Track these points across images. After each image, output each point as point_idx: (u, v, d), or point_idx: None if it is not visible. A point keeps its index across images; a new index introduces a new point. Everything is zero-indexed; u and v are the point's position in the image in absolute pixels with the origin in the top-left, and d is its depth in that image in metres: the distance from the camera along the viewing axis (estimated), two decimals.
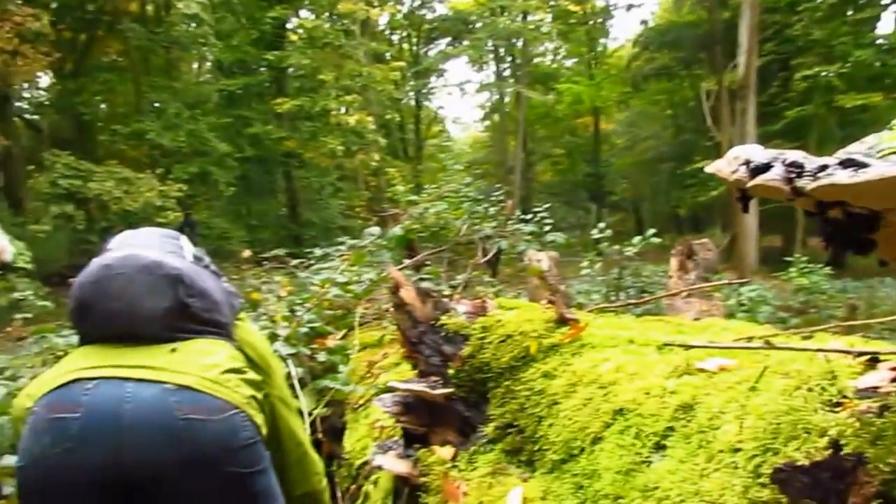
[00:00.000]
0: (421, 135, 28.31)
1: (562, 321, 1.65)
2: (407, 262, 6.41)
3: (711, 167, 0.90)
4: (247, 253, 8.52)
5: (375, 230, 5.94)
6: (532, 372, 1.56)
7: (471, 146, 33.75)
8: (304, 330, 4.29)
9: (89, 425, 1.64)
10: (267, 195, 21.67)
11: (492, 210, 6.41)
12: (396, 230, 5.99)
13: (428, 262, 6.09)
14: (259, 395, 1.88)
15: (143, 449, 1.66)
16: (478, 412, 1.67)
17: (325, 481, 2.23)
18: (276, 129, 19.31)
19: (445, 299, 1.84)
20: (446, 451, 1.63)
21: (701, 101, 19.62)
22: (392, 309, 1.84)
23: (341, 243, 6.54)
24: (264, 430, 1.87)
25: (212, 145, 17.14)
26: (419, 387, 1.68)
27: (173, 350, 1.74)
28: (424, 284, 5.32)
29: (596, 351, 1.54)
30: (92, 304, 1.78)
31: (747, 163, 0.82)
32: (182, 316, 1.75)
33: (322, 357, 4.10)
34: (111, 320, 1.76)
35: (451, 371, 1.71)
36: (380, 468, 1.64)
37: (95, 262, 1.78)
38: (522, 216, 6.03)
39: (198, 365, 1.73)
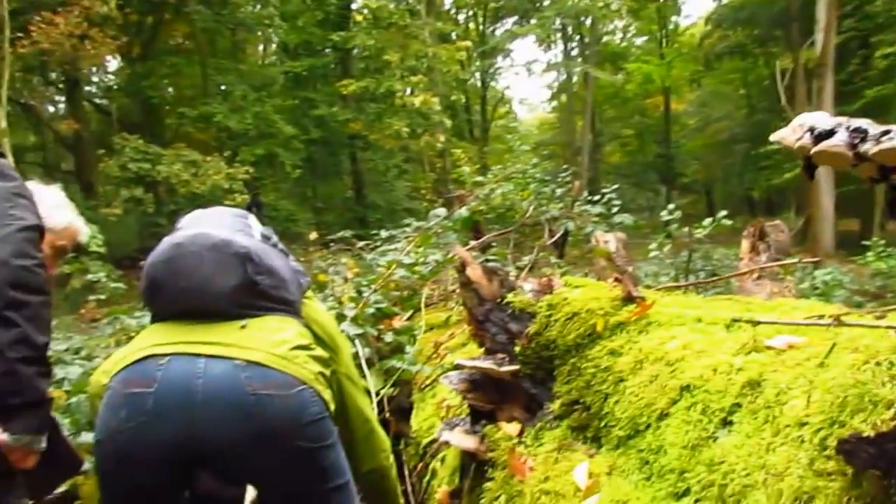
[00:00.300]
0: (487, 116, 28.19)
1: (629, 299, 1.65)
2: (473, 243, 6.45)
3: (776, 135, 0.90)
4: (313, 235, 8.69)
5: (442, 211, 5.98)
6: (598, 349, 1.58)
7: (538, 127, 33.47)
8: (370, 311, 4.37)
9: (163, 400, 1.71)
10: (332, 177, 21.97)
11: (559, 191, 6.38)
12: (462, 211, 6.01)
13: (494, 244, 6.11)
14: (327, 372, 1.94)
15: (215, 423, 1.72)
16: (544, 389, 1.69)
17: (391, 458, 2.28)
18: (342, 111, 19.45)
19: (512, 278, 1.86)
20: (513, 428, 1.66)
21: (776, 81, 18.91)
22: (458, 287, 1.87)
23: (407, 225, 6.62)
24: (332, 406, 1.93)
25: (278, 127, 17.41)
26: (486, 364, 1.71)
27: (243, 327, 1.81)
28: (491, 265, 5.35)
29: (663, 329, 1.54)
30: (163, 282, 1.86)
31: (811, 130, 0.82)
32: (251, 293, 1.82)
33: (389, 338, 4.18)
34: (182, 298, 1.84)
35: (517, 348, 1.73)
36: (447, 444, 1.67)
37: (166, 241, 1.85)
38: (590, 197, 5.97)
39: (267, 341, 1.79)
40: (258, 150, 16.88)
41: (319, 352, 1.94)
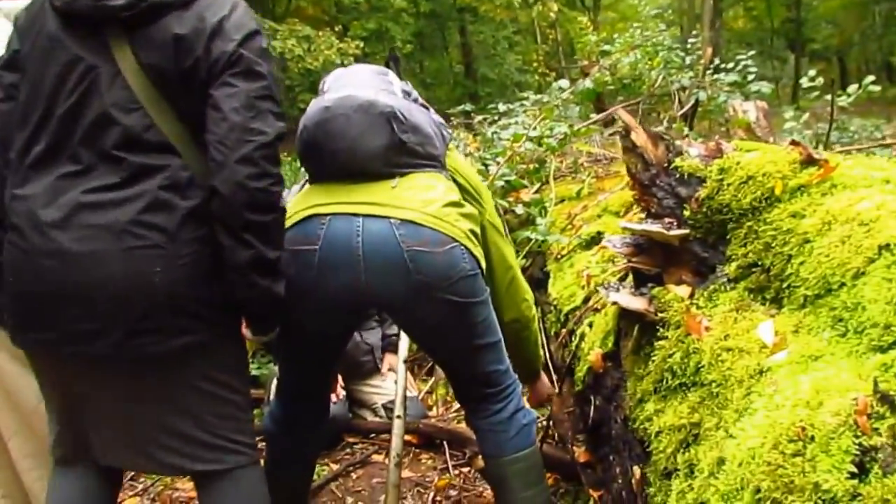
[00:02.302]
0: None
1: (808, 162, 1.61)
2: (595, 116, 6.30)
3: None
4: None
5: (564, 83, 5.84)
6: (778, 212, 1.56)
7: None
8: (499, 184, 4.41)
9: (327, 257, 1.86)
10: (440, 52, 21.61)
11: (688, 59, 6.08)
12: (587, 83, 5.86)
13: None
14: (477, 229, 2.01)
15: (375, 276, 1.87)
16: (715, 252, 1.70)
17: (534, 309, 2.37)
18: None
19: (678, 142, 1.84)
20: (683, 290, 1.69)
21: None
22: (622, 152, 1.87)
23: (525, 98, 6.51)
24: (483, 263, 2.00)
25: (388, 1, 17.14)
26: (655, 228, 1.73)
27: (394, 187, 1.88)
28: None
29: (849, 191, 1.50)
30: (316, 145, 1.96)
31: None
32: (399, 151, 1.89)
33: (519, 209, 4.23)
34: (335, 159, 1.94)
35: (686, 213, 1.73)
36: (615, 304, 1.72)
37: (315, 104, 1.93)
38: (723, 65, 5.67)
39: (419, 200, 1.87)
40: (369, 24, 16.73)
41: (469, 209, 2.01)
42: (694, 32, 5.76)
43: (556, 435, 2.91)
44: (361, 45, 15.39)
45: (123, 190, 1.53)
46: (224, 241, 1.57)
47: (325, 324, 2.03)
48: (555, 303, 3.13)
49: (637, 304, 1.69)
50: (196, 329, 1.60)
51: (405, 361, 2.87)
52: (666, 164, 1.80)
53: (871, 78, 5.37)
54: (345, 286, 1.88)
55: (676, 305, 1.65)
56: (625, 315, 2.12)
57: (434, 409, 3.67)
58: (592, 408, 2.27)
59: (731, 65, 5.65)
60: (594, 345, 2.36)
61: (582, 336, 2.51)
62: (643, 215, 2.03)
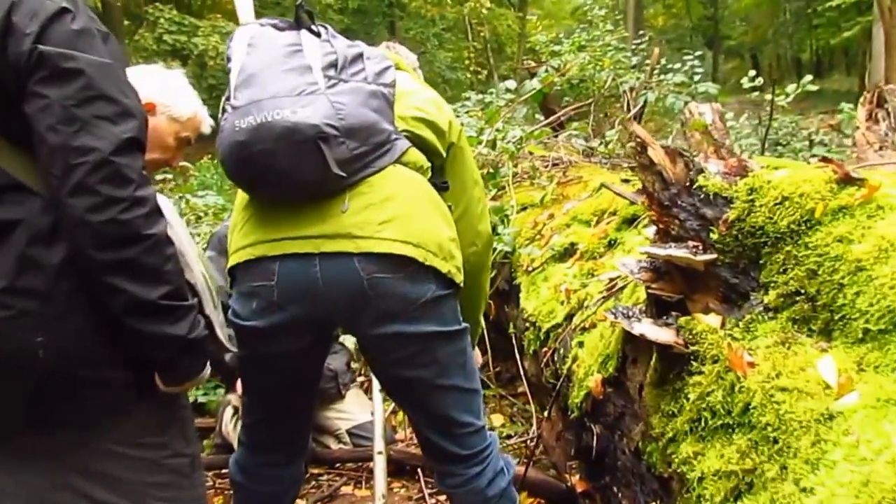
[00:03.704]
0: None
1: (846, 181, 1.51)
2: (541, 118, 6.22)
3: None
4: None
5: (511, 84, 5.73)
6: (821, 236, 1.45)
7: None
8: None
9: (286, 292, 1.74)
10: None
11: (633, 60, 6.07)
12: (534, 83, 5.77)
13: (572, 118, 5.88)
14: (453, 232, 1.87)
15: (338, 308, 1.75)
16: (746, 278, 1.59)
17: (492, 242, 2.24)
18: None
19: (698, 159, 1.72)
20: (714, 320, 1.57)
21: None
22: (638, 170, 1.74)
23: (466, 99, 6.37)
24: (460, 279, 1.84)
25: None
26: (681, 253, 1.60)
27: (344, 211, 1.70)
28: (578, 142, 5.15)
29: None
30: (242, 180, 1.79)
31: None
32: (342, 166, 1.68)
33: None
34: (273, 195, 1.77)
35: (713, 236, 1.61)
36: (642, 337, 1.59)
37: (228, 136, 1.68)
38: (670, 66, 5.67)
39: (376, 222, 1.70)
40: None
41: (442, 208, 1.88)
42: (641, 32, 5.70)
43: (543, 458, 2.79)
44: None
45: None
46: (92, 288, 1.30)
47: (291, 354, 1.86)
48: (532, 319, 2.99)
49: (665, 335, 1.57)
50: (102, 397, 1.38)
51: (381, 391, 2.68)
52: (687, 183, 1.68)
53: (809, 77, 5.45)
54: (307, 311, 1.76)
55: (710, 338, 1.53)
56: (631, 339, 2.00)
57: (400, 430, 3.48)
58: (594, 437, 2.14)
59: (677, 65, 5.66)
60: (591, 369, 2.23)
61: (574, 358, 2.39)
62: (652, 234, 1.91)
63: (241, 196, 1.90)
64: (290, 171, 1.67)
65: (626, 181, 3.44)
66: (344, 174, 1.70)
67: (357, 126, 1.72)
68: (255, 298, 1.76)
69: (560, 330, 2.72)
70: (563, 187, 4.09)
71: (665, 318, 1.65)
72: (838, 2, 17.75)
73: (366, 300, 1.71)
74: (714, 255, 1.60)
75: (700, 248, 1.63)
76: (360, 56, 1.85)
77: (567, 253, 3.18)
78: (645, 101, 5.47)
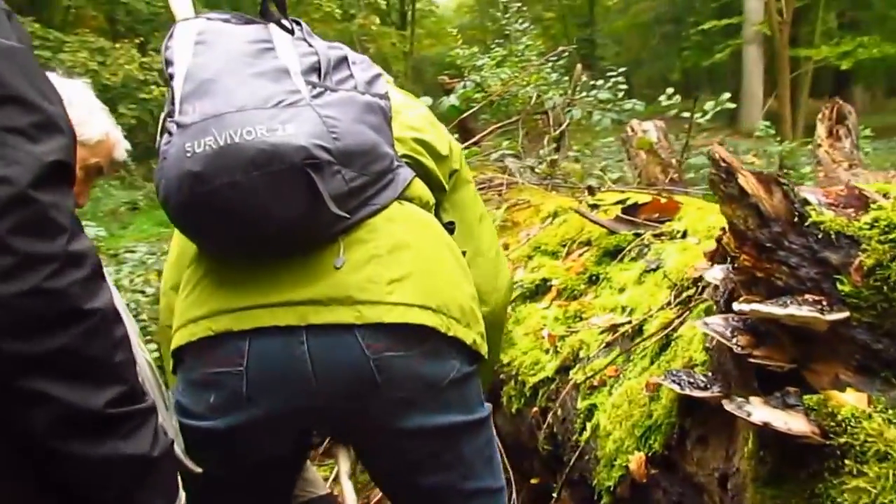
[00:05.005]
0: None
1: None
2: (458, 136, 5.84)
3: None
4: None
5: (426, 100, 5.34)
6: None
7: (455, 10, 32.03)
8: None
9: (259, 380, 1.23)
10: None
11: (554, 76, 5.82)
12: (451, 99, 5.42)
13: (494, 137, 5.55)
14: (472, 290, 1.45)
15: (334, 401, 1.28)
16: (893, 343, 1.22)
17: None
18: None
19: (801, 189, 1.35)
20: (858, 399, 1.19)
21: None
22: (723, 202, 1.35)
23: None
24: (484, 349, 1.45)
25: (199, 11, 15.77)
26: (804, 312, 1.22)
27: (339, 267, 1.25)
28: (510, 161, 4.80)
29: None
30: (202, 232, 1.27)
31: None
32: (339, 202, 1.23)
33: None
34: (238, 249, 1.27)
35: (845, 287, 1.24)
36: (767, 427, 1.19)
37: (175, 166, 1.18)
38: (593, 82, 5.46)
39: (383, 282, 1.25)
40: None
41: (459, 256, 1.48)
42: (560, 49, 5.48)
43: None
44: None
45: None
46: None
47: (261, 465, 1.37)
48: (511, 371, 2.55)
49: (800, 425, 1.17)
50: None
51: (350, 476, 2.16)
52: (795, 219, 1.30)
53: (726, 95, 5.36)
54: (289, 411, 1.29)
55: (866, 426, 1.15)
56: (690, 410, 1.62)
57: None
58: None
59: (600, 81, 5.46)
60: (623, 443, 1.83)
61: (595, 428, 1.96)
62: (719, 278, 1.53)
63: (186, 241, 1.38)
64: (267, 210, 1.19)
65: (594, 206, 3.08)
66: (347, 215, 1.23)
67: (354, 149, 1.27)
68: (214, 389, 1.26)
69: (553, 386, 2.30)
70: (510, 212, 3.71)
71: (782, 395, 1.26)
72: (708, 26, 18.62)
73: (373, 388, 1.26)
74: (846, 314, 1.23)
75: (825, 303, 1.25)
76: (344, 60, 1.40)
77: (539, 291, 2.78)
78: (571, 118, 5.21)
